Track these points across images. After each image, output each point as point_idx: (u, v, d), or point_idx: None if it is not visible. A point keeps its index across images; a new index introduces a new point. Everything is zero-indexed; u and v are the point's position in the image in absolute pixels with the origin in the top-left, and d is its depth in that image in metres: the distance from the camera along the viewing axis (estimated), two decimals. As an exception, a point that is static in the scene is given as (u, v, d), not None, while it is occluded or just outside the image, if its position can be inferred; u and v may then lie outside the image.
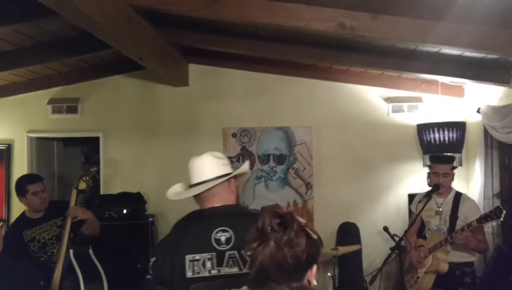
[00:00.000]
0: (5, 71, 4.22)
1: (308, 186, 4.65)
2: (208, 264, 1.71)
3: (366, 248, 4.39)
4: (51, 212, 3.23)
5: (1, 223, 1.79)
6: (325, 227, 4.43)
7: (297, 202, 4.64)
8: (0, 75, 4.45)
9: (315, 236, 1.20)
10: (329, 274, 3.92)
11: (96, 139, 4.85)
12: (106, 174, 4.75)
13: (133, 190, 4.57)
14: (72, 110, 4.80)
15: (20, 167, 4.86)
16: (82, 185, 3.24)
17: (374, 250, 4.36)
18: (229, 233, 1.74)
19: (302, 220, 1.22)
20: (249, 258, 1.20)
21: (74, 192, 3.20)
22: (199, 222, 1.82)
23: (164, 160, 4.75)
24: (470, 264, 3.35)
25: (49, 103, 4.81)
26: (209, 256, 1.71)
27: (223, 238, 1.73)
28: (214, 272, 1.71)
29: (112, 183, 4.74)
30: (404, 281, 3.56)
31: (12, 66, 4.09)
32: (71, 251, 2.97)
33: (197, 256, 1.71)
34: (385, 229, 3.67)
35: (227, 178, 1.83)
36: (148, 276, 1.76)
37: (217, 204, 1.82)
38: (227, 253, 1.72)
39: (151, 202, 4.59)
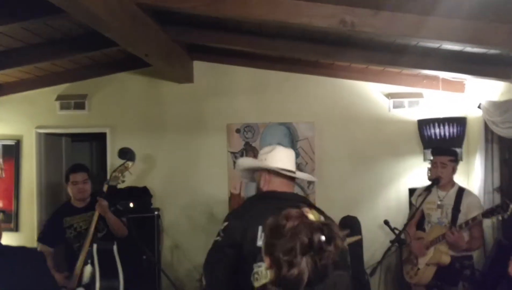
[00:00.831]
0: (13, 68, 4.31)
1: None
2: None
3: (367, 242, 4.45)
4: (93, 203, 3.28)
5: (1, 214, 1.87)
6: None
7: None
8: (8, 72, 4.55)
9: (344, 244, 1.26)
10: (330, 266, 3.98)
11: (103, 135, 4.94)
12: (112, 169, 4.83)
13: (140, 184, 4.67)
14: (80, 106, 4.89)
15: (29, 162, 4.96)
16: (114, 181, 3.31)
17: (375, 244, 4.43)
18: None
19: (335, 224, 1.25)
20: (287, 279, 1.19)
21: (105, 187, 3.29)
22: (273, 200, 2.00)
23: (169, 155, 4.84)
24: (469, 257, 3.40)
25: (57, 99, 4.90)
26: None
27: None
28: None
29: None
30: (403, 273, 3.63)
31: (20, 63, 4.17)
32: (94, 246, 3.02)
33: None
34: (386, 222, 3.72)
35: (305, 175, 2.32)
36: (217, 238, 1.92)
37: (287, 190, 2.10)
38: None
39: (157, 196, 4.69)
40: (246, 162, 2.35)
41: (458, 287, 3.28)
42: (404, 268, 3.58)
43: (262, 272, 1.64)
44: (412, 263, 3.52)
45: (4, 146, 4.98)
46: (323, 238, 1.16)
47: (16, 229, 4.87)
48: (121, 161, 3.42)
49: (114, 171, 3.35)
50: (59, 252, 3.35)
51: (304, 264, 1.15)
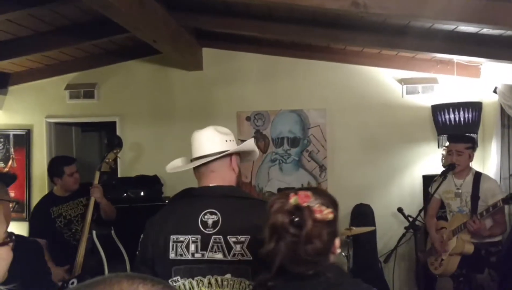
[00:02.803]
0: (22, 57, 4.30)
1: (322, 168, 4.66)
2: (192, 247, 1.59)
3: (380, 230, 4.39)
4: (78, 191, 3.39)
5: (14, 204, 1.86)
6: (339, 209, 4.45)
7: (311, 184, 4.65)
8: (17, 62, 4.54)
9: (331, 216, 1.18)
10: (343, 253, 3.95)
11: (113, 124, 4.92)
12: (123, 158, 4.83)
13: (150, 173, 4.64)
14: (89, 95, 4.87)
15: (40, 151, 4.97)
16: (105, 167, 3.36)
17: (388, 232, 4.37)
18: (217, 216, 1.61)
19: (313, 205, 1.18)
20: (266, 257, 1.20)
21: (97, 174, 3.32)
22: (188, 202, 1.73)
23: (179, 144, 4.78)
24: (497, 243, 3.30)
25: (66, 88, 4.89)
26: (193, 238, 1.59)
27: (210, 221, 1.60)
28: (197, 256, 1.58)
29: (130, 166, 4.82)
30: (422, 261, 3.56)
31: (29, 51, 4.16)
32: (94, 232, 3.05)
33: (181, 237, 1.60)
34: (400, 210, 3.67)
35: (224, 154, 1.67)
36: (137, 252, 1.70)
37: (213, 183, 1.69)
38: (213, 237, 1.59)
39: (168, 185, 4.66)
40: (172, 165, 1.95)
41: (484, 274, 3.21)
42: (428, 260, 3.52)
43: (180, 287, 1.57)
44: (436, 254, 3.45)
45: (15, 135, 4.99)
46: (286, 220, 1.16)
47: (27, 219, 4.89)
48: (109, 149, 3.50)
49: (105, 158, 3.38)
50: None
51: (278, 245, 1.16)
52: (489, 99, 4.17)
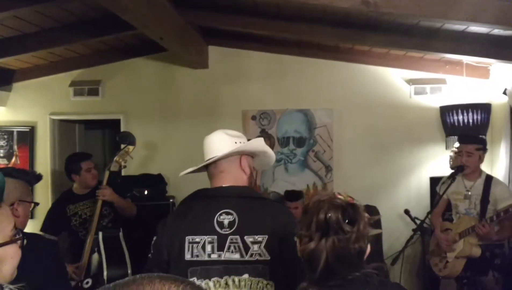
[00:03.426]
0: (27, 53, 4.27)
1: (328, 169, 4.62)
2: (208, 248, 1.59)
3: (386, 232, 4.34)
4: (95, 190, 3.29)
5: (31, 202, 1.84)
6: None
7: (316, 185, 4.62)
8: (22, 58, 4.51)
9: (371, 221, 1.20)
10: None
11: (117, 122, 4.89)
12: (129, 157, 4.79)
13: (154, 171, 4.62)
14: (94, 92, 4.83)
15: (43, 149, 4.94)
16: (115, 167, 3.28)
17: (394, 234, 4.33)
18: (233, 216, 1.62)
19: (362, 207, 1.18)
20: (306, 255, 1.16)
21: (106, 173, 3.27)
22: (203, 202, 1.71)
23: (184, 142, 4.76)
24: (501, 245, 3.27)
25: (70, 85, 4.85)
26: (209, 239, 1.60)
27: (226, 221, 1.61)
28: (214, 256, 1.59)
29: (134, 164, 4.77)
30: (429, 264, 3.52)
31: (34, 47, 4.12)
32: (100, 234, 3.00)
33: (197, 238, 1.60)
34: (406, 212, 3.63)
35: (230, 154, 1.68)
36: (149, 255, 1.70)
37: (225, 184, 1.70)
38: (229, 237, 1.59)
39: (172, 184, 4.63)
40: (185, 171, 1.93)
41: (489, 277, 3.18)
42: (431, 261, 3.48)
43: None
44: (440, 255, 3.41)
45: (19, 132, 4.95)
46: (340, 216, 1.12)
47: (31, 216, 4.85)
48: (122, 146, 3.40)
49: (115, 156, 3.30)
50: (61, 242, 3.33)
51: (323, 242, 1.12)
52: (498, 101, 4.13)
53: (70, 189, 3.48)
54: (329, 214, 1.12)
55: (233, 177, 1.72)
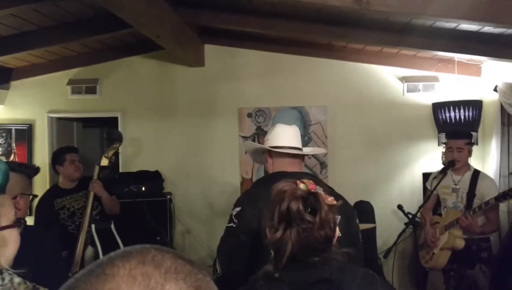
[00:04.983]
0: (25, 52, 4.31)
1: (323, 165, 4.68)
2: None
3: (380, 227, 4.41)
4: (82, 184, 3.41)
5: (31, 195, 1.91)
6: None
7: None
8: (20, 56, 4.55)
9: (335, 202, 1.20)
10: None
11: (115, 119, 4.94)
12: (125, 153, 4.85)
13: (151, 168, 4.67)
14: (91, 90, 4.88)
15: (41, 146, 4.98)
16: (104, 162, 3.37)
17: (388, 229, 4.40)
18: None
19: (322, 193, 1.19)
20: (272, 245, 1.18)
21: (96, 168, 3.34)
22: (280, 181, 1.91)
23: (181, 140, 4.83)
24: (487, 239, 3.36)
25: (68, 84, 4.90)
26: None
27: None
28: None
29: (131, 161, 4.84)
30: (419, 257, 3.60)
31: (32, 46, 4.16)
32: (93, 226, 3.06)
33: None
34: (400, 207, 3.68)
35: (318, 152, 2.02)
36: (231, 224, 1.82)
37: (296, 169, 1.96)
38: None
39: (169, 180, 4.69)
40: (249, 145, 2.29)
41: (475, 270, 3.25)
42: (420, 253, 3.56)
43: None
44: (428, 248, 3.50)
45: (17, 130, 5.00)
46: (301, 206, 1.13)
47: (30, 213, 4.89)
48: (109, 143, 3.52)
49: (104, 153, 3.40)
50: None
51: (287, 232, 1.14)
52: (489, 98, 4.20)
53: (56, 184, 3.57)
54: (291, 206, 1.14)
55: (300, 165, 2.03)
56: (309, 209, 1.14)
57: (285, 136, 2.01)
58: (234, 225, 1.81)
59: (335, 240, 1.22)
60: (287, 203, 1.14)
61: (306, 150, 2.16)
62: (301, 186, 1.19)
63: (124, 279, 0.51)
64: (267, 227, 1.20)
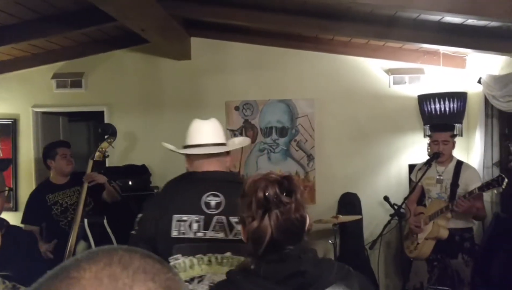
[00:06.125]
0: (7, 45, 4.24)
1: (310, 158, 4.70)
2: (195, 226, 1.69)
3: (367, 218, 4.47)
4: (74, 179, 3.39)
5: (7, 189, 1.88)
6: (326, 198, 4.56)
7: (299, 173, 4.71)
8: (3, 50, 4.47)
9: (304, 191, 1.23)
10: (330, 241, 4.01)
11: (101, 113, 4.90)
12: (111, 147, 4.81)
13: (138, 162, 4.65)
14: (76, 84, 4.83)
15: (26, 141, 4.92)
16: (98, 156, 3.33)
17: (375, 220, 4.44)
18: (220, 199, 1.72)
19: (294, 177, 1.22)
20: (251, 234, 1.18)
21: (90, 163, 3.31)
22: (191, 184, 1.81)
23: (167, 133, 4.77)
24: (470, 229, 3.43)
25: (53, 78, 4.84)
26: (196, 218, 1.70)
27: (213, 203, 1.72)
28: (199, 234, 1.69)
29: (118, 156, 4.80)
30: (403, 248, 3.65)
31: (15, 39, 4.08)
32: (85, 221, 3.04)
33: (185, 217, 1.70)
34: (386, 198, 3.73)
35: (236, 148, 1.91)
36: (133, 232, 1.76)
37: (211, 169, 1.82)
38: (215, 217, 1.70)
39: (156, 174, 4.67)
40: (165, 146, 2.10)
41: (458, 259, 3.32)
42: (404, 244, 3.61)
43: (180, 264, 1.62)
44: (412, 238, 3.55)
45: (1, 125, 4.93)
46: (277, 190, 1.16)
47: (15, 208, 4.86)
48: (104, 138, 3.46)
49: (98, 147, 3.37)
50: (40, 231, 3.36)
51: (266, 218, 1.15)
52: (474, 90, 4.25)
53: (47, 179, 3.53)
54: (267, 191, 1.15)
55: (219, 163, 1.85)
56: (285, 192, 1.16)
57: (199, 133, 1.87)
58: (134, 233, 1.76)
59: (306, 226, 1.23)
60: (263, 189, 1.16)
61: (231, 144, 1.99)
62: (274, 173, 1.22)
63: (90, 282, 0.50)
64: (244, 219, 1.20)
